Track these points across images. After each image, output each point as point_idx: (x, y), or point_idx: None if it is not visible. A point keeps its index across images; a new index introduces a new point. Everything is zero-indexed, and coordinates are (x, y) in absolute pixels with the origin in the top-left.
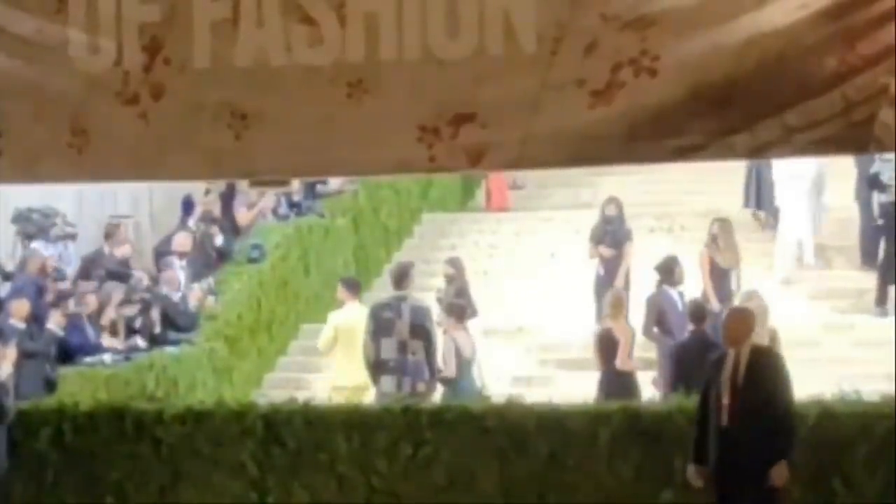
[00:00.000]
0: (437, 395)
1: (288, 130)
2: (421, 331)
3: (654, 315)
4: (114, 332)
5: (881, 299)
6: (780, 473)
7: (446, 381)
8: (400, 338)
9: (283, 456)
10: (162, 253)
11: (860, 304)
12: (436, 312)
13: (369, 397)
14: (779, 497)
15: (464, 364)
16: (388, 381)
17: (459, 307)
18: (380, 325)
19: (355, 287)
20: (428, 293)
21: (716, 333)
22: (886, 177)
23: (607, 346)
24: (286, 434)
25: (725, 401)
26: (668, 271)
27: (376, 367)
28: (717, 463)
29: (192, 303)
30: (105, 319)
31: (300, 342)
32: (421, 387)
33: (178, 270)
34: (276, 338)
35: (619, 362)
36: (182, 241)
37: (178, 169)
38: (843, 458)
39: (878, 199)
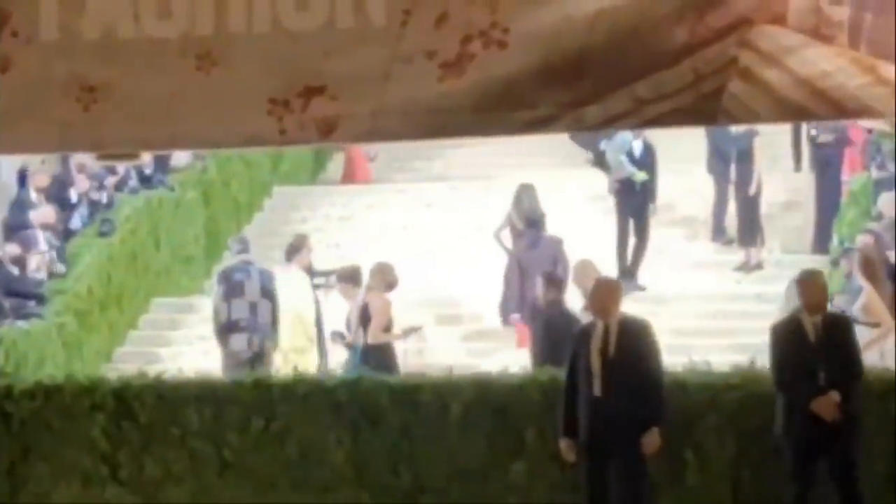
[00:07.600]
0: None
1: (136, 103)
2: (268, 293)
3: None
4: None
5: None
6: (651, 441)
7: (350, 346)
8: (251, 299)
9: (134, 430)
10: (17, 227)
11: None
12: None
13: (311, 359)
14: (646, 467)
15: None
16: (238, 340)
17: (353, 271)
18: (231, 288)
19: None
20: (277, 266)
21: None
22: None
23: (364, 318)
24: (137, 408)
25: (597, 372)
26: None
27: (227, 328)
28: (588, 433)
29: (37, 272)
30: None
31: (150, 316)
32: (269, 344)
33: (43, 244)
34: (127, 312)
35: (370, 337)
36: (45, 214)
37: (26, 141)
38: (693, 429)
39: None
